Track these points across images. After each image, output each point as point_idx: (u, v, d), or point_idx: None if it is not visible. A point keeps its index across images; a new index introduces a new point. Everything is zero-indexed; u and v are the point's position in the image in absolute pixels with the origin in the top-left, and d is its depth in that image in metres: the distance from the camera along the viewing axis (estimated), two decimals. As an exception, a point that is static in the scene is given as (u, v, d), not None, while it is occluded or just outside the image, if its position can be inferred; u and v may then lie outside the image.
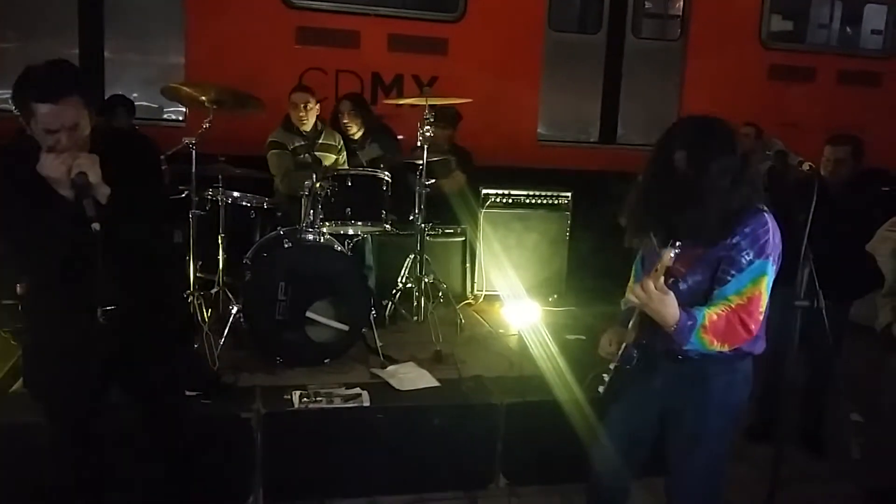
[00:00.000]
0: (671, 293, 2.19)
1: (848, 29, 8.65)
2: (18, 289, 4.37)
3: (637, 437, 2.61)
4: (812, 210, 2.73)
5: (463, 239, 5.58)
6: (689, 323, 2.21)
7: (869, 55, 7.96)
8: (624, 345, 2.41)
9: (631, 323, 2.39)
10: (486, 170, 5.79)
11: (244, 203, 4.58)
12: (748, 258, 2.24)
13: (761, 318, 2.30)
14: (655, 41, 7.46)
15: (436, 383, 3.82)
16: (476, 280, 5.58)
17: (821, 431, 4.14)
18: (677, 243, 2.16)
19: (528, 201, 5.63)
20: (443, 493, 3.56)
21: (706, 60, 7.03)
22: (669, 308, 2.20)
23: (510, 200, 5.60)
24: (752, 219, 2.27)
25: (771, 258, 2.26)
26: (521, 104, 6.80)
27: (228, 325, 4.09)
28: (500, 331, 4.84)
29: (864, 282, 3.76)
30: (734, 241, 2.25)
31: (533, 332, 4.19)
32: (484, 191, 5.56)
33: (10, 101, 2.31)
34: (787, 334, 2.74)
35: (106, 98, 5.57)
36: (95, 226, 2.19)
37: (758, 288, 2.25)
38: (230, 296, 4.29)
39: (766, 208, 2.31)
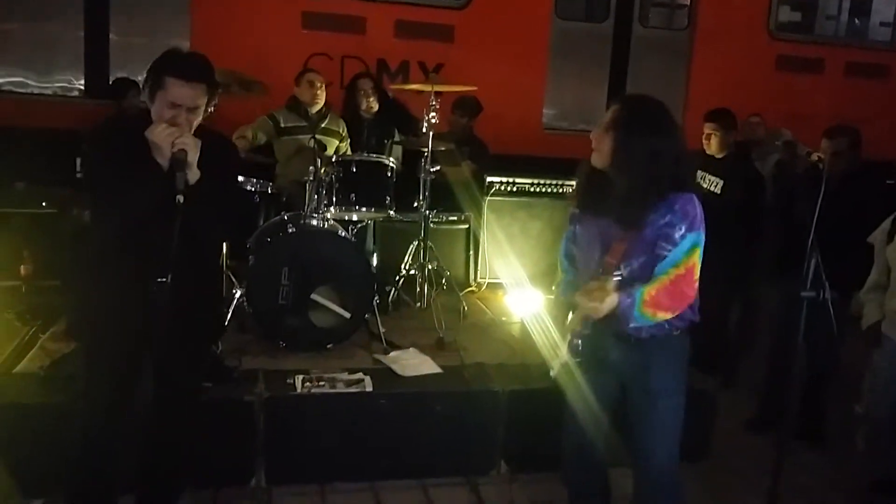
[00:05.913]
0: (611, 292, 2.34)
1: (856, 21, 8.61)
2: (22, 270, 4.40)
3: (602, 408, 2.68)
4: (819, 201, 2.72)
5: (467, 226, 5.56)
6: (629, 300, 2.35)
7: (877, 47, 7.91)
8: (569, 337, 2.52)
9: (570, 316, 2.51)
10: (491, 157, 5.77)
11: (248, 188, 4.57)
12: (681, 232, 2.37)
13: (696, 285, 2.45)
14: (663, 30, 7.42)
15: (438, 370, 3.82)
16: (479, 268, 5.57)
17: (822, 423, 4.14)
18: (619, 267, 2.37)
19: (532, 189, 5.62)
20: (444, 479, 3.56)
21: (713, 50, 7.00)
22: (612, 302, 2.35)
23: (514, 188, 5.59)
24: (680, 197, 2.39)
25: (701, 230, 2.40)
26: (527, 92, 6.78)
27: (232, 308, 4.11)
28: (503, 318, 4.83)
29: (863, 273, 3.75)
30: (665, 219, 2.37)
31: (535, 320, 4.18)
32: (488, 179, 5.54)
33: (143, 74, 2.56)
34: (792, 326, 2.73)
35: (112, 81, 5.55)
36: (179, 198, 2.31)
37: (692, 259, 2.39)
38: (234, 279, 4.30)
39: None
